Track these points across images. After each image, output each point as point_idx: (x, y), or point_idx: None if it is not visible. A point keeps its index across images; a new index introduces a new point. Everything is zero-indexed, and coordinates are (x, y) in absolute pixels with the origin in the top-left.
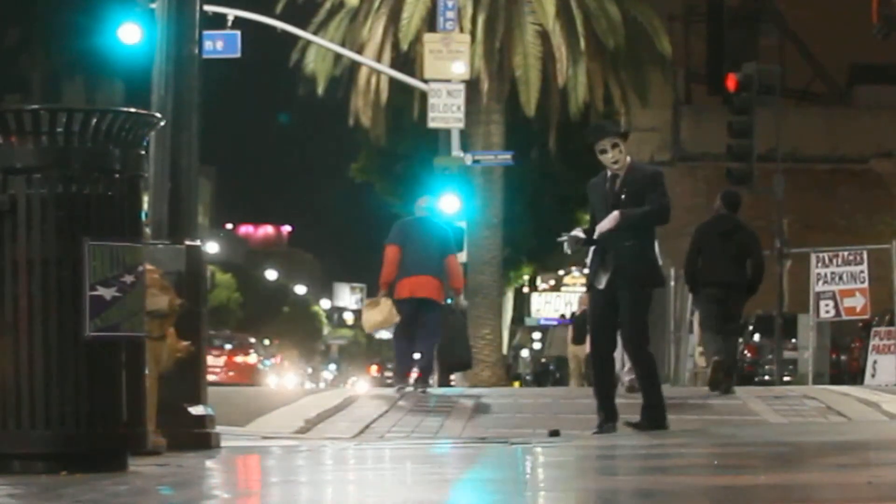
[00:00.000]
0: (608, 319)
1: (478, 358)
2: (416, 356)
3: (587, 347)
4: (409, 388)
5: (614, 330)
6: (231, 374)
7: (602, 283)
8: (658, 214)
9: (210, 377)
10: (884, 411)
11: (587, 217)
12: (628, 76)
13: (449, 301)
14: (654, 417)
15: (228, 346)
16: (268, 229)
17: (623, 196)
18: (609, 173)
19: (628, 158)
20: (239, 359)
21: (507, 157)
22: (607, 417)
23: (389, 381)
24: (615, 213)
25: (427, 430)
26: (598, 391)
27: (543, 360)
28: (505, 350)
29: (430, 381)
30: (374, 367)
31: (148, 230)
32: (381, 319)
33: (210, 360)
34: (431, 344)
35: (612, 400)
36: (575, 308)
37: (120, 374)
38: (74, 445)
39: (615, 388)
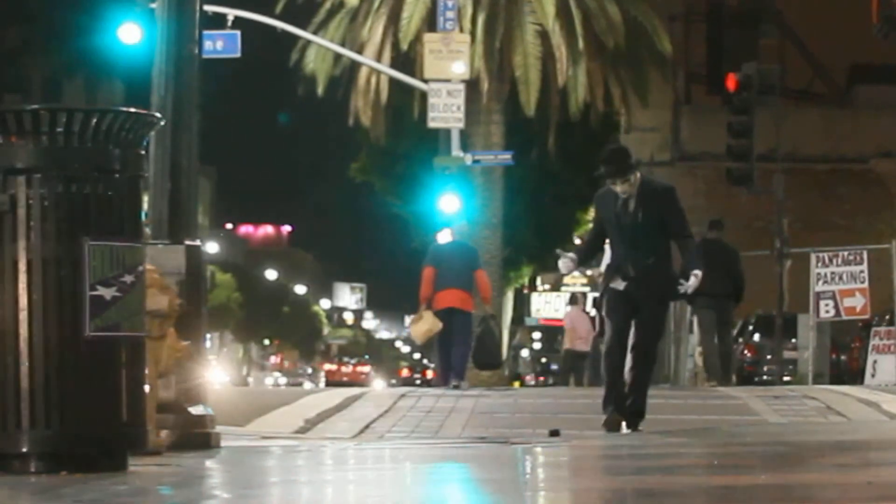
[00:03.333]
0: (629, 319)
1: None
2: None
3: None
4: (461, 384)
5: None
6: (351, 377)
7: (620, 286)
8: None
9: (343, 380)
10: (884, 411)
11: (587, 217)
12: (628, 76)
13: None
14: (637, 421)
15: (353, 361)
16: (268, 229)
17: (640, 216)
18: (618, 193)
19: (638, 174)
20: (359, 369)
21: (507, 157)
22: (617, 408)
23: (418, 382)
24: (698, 274)
25: (427, 430)
26: (612, 383)
27: (544, 358)
28: (505, 350)
29: (466, 380)
30: (405, 370)
31: (148, 230)
32: (426, 328)
33: (343, 369)
34: (466, 347)
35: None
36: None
37: (120, 374)
38: (74, 445)
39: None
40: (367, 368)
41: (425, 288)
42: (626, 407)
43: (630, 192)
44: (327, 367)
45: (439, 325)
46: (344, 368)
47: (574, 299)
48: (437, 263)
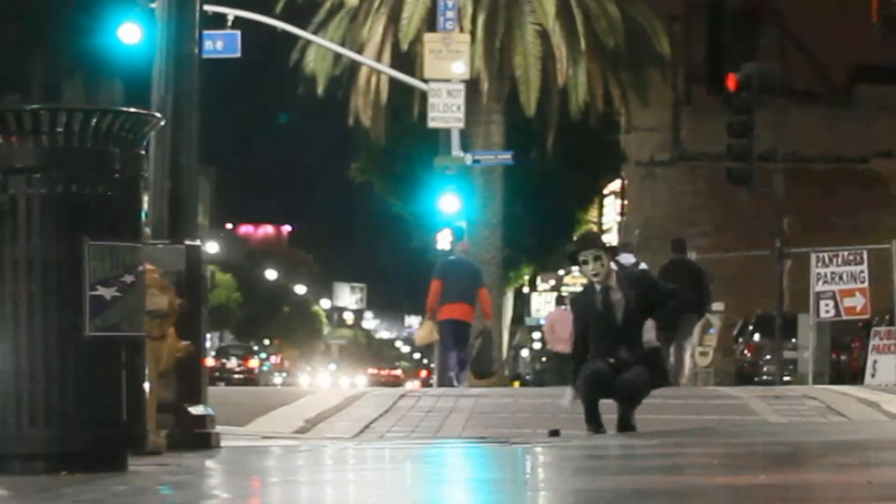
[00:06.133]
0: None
1: None
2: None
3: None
4: (455, 386)
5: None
6: (387, 378)
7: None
8: (686, 304)
9: (381, 380)
10: (884, 411)
11: (587, 217)
12: (628, 76)
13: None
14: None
15: (388, 366)
16: (268, 229)
17: (631, 302)
18: (598, 288)
19: (613, 265)
20: (393, 372)
21: (507, 156)
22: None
23: (432, 383)
24: (651, 324)
25: (427, 430)
26: (591, 403)
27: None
28: (505, 350)
29: (465, 382)
30: (423, 372)
31: (148, 230)
32: (424, 335)
33: (381, 372)
34: (466, 354)
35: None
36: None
37: (120, 374)
38: (74, 445)
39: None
40: (398, 371)
41: (433, 299)
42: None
43: (600, 276)
44: (370, 370)
45: (435, 336)
46: (381, 371)
47: (560, 300)
48: (444, 277)
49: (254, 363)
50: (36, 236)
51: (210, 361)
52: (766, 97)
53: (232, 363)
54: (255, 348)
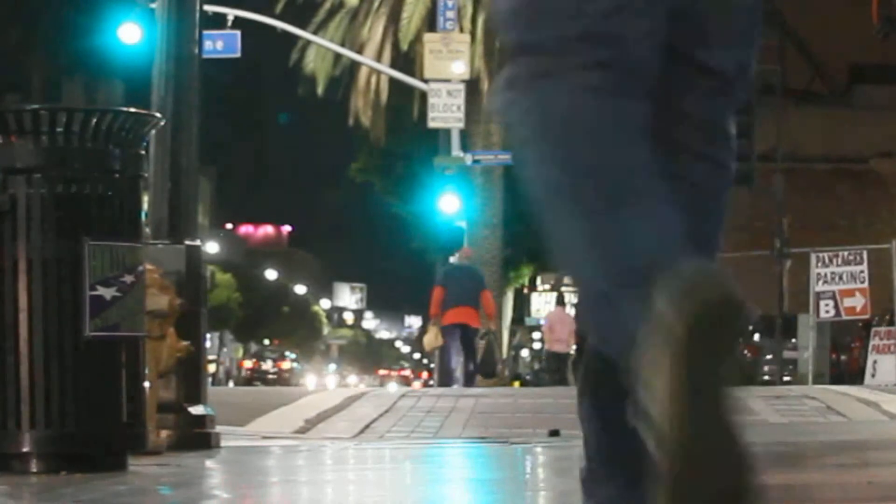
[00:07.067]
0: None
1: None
2: (458, 366)
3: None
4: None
5: None
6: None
7: None
8: None
9: (400, 380)
10: (884, 411)
11: None
12: None
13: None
14: None
15: (396, 366)
16: (268, 229)
17: None
18: None
19: None
20: (402, 372)
21: (507, 156)
22: None
23: (431, 384)
24: None
25: (427, 430)
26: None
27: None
28: (505, 350)
29: (473, 383)
30: (424, 373)
31: (148, 230)
32: (431, 340)
33: (391, 373)
34: (471, 355)
35: None
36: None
37: (120, 374)
38: (74, 445)
39: None
40: (407, 372)
41: (434, 306)
42: None
43: None
44: (380, 371)
45: (441, 341)
46: (391, 372)
47: (560, 300)
48: (446, 284)
49: (286, 365)
50: (36, 236)
51: (248, 363)
52: (766, 97)
53: (268, 365)
54: (287, 352)
